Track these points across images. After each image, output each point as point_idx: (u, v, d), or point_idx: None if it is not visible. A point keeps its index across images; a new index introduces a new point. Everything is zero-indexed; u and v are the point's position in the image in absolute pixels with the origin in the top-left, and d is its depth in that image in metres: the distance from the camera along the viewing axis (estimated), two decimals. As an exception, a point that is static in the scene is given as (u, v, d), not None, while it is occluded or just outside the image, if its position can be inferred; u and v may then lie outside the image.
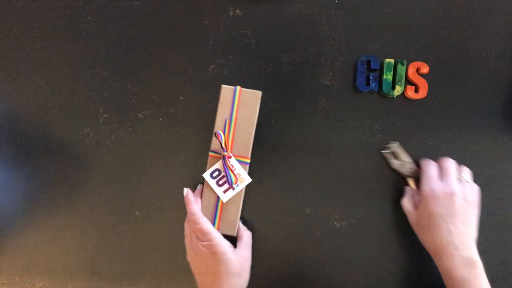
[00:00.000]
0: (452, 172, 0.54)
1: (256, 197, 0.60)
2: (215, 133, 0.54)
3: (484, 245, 0.59)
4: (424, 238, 0.54)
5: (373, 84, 0.58)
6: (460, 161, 0.59)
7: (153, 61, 0.60)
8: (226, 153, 0.55)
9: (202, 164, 0.59)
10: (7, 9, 0.60)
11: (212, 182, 0.56)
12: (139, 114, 0.60)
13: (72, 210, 0.60)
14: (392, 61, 0.58)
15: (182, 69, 0.60)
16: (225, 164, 0.55)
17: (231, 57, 0.60)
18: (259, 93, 0.55)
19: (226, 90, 0.56)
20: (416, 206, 0.55)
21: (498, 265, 0.59)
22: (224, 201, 0.56)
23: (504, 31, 0.59)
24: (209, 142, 0.59)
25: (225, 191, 0.56)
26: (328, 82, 0.60)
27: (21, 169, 0.60)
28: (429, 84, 0.58)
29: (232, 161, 0.55)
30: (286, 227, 0.60)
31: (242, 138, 0.56)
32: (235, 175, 0.55)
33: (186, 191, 0.57)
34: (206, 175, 0.56)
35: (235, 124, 0.55)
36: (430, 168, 0.55)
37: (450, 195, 0.52)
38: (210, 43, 0.60)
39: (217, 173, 0.56)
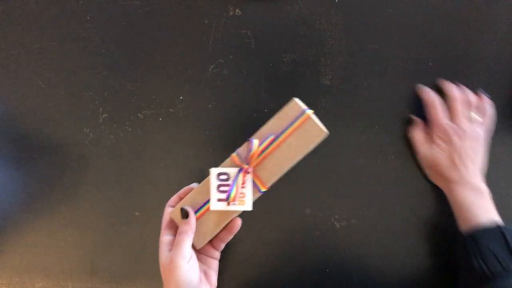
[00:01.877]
0: (461, 112, 0.55)
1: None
2: (249, 140, 0.47)
3: (484, 245, 0.60)
4: (436, 171, 0.55)
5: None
6: (460, 161, 0.59)
7: (153, 61, 0.60)
8: (246, 166, 0.47)
9: (202, 164, 0.58)
10: (7, 9, 0.60)
11: (214, 183, 0.48)
12: (139, 114, 0.60)
13: (72, 210, 0.60)
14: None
15: (182, 69, 0.60)
16: (237, 176, 0.47)
17: (231, 57, 0.60)
18: (324, 133, 0.48)
19: (294, 105, 0.47)
20: (426, 139, 0.56)
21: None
22: (210, 208, 0.49)
23: (504, 31, 0.59)
24: (208, 142, 0.59)
25: (219, 200, 0.48)
26: (328, 82, 0.60)
27: (21, 169, 0.60)
28: (429, 84, 0.58)
29: (247, 178, 0.48)
30: (286, 227, 0.60)
31: (274, 165, 0.48)
32: (237, 193, 0.47)
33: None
34: (213, 172, 0.48)
35: (277, 145, 0.47)
36: (435, 108, 0.56)
37: (461, 135, 0.54)
38: (210, 43, 0.60)
39: (225, 177, 0.48)
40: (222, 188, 0.48)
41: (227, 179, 0.48)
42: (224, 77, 0.60)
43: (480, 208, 0.52)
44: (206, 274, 0.52)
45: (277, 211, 0.60)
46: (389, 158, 0.60)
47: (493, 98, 0.59)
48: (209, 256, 0.54)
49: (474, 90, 0.59)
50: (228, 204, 0.48)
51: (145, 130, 0.60)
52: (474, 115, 0.56)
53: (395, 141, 0.59)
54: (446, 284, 0.59)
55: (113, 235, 0.60)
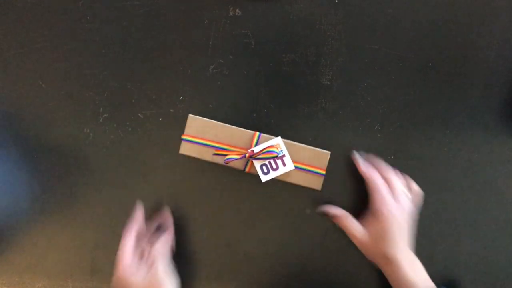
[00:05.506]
0: (401, 191, 0.56)
1: (256, 197, 0.60)
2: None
3: (486, 246, 0.60)
4: (375, 252, 0.55)
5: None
6: (460, 161, 0.59)
7: (153, 61, 0.60)
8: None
9: (202, 164, 0.58)
10: (7, 9, 0.60)
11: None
12: (139, 114, 0.60)
13: (72, 210, 0.60)
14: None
15: (182, 69, 0.60)
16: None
17: (231, 57, 0.60)
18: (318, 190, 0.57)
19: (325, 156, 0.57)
20: (364, 224, 0.56)
21: (500, 266, 0.59)
22: (263, 181, 0.55)
23: (504, 31, 0.59)
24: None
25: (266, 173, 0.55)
26: (328, 82, 0.60)
27: (21, 169, 0.60)
28: (429, 84, 0.58)
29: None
30: (286, 227, 0.60)
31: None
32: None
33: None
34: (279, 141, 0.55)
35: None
36: (381, 186, 0.55)
37: (404, 214, 0.55)
38: (210, 43, 0.60)
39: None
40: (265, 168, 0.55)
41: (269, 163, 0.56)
42: (224, 77, 0.60)
43: (419, 279, 0.53)
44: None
45: (277, 211, 0.60)
46: (389, 158, 0.60)
47: (493, 98, 0.59)
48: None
49: (474, 90, 0.60)
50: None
51: (145, 130, 0.60)
52: (408, 192, 0.57)
53: (395, 141, 0.60)
54: (449, 282, 0.59)
55: (113, 235, 0.60)
